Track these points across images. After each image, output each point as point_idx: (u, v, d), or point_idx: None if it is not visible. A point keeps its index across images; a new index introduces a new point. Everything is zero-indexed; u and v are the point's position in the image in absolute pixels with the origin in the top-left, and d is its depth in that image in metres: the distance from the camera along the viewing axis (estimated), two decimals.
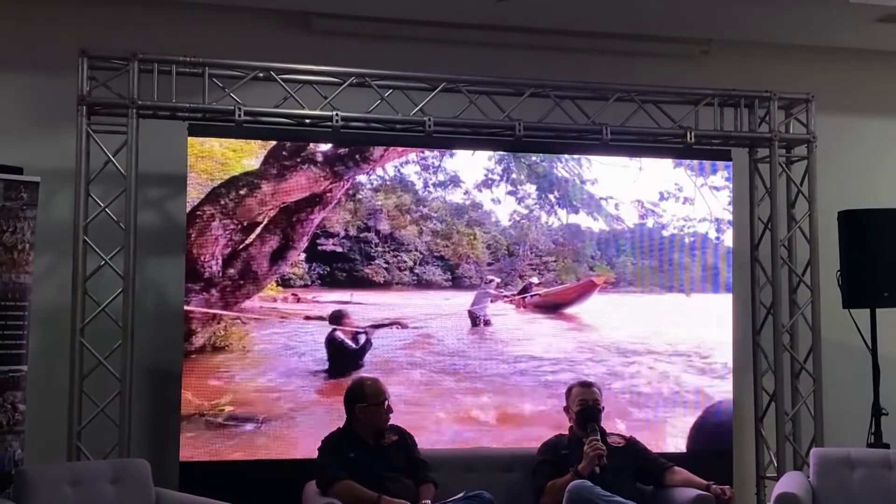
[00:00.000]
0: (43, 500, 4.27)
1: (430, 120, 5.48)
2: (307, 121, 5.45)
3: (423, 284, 5.62)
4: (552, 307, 5.79)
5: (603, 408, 5.09)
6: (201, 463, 5.18)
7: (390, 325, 5.52)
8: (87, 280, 5.11)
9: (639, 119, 5.84)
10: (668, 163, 5.98)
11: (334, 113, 5.38)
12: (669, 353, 5.87)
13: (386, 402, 4.84)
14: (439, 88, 5.57)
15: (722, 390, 5.89)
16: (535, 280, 5.77)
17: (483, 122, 5.67)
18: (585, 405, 5.02)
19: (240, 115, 5.24)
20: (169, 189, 5.54)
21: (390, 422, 4.89)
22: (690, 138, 5.79)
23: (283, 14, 5.79)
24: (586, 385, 5.14)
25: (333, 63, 5.51)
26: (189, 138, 5.29)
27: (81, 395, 5.03)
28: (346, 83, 5.46)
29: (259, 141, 5.43)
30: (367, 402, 4.81)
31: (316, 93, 5.48)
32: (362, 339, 5.48)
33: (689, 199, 5.99)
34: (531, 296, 5.75)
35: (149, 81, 5.19)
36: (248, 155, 5.41)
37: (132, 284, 5.10)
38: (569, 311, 5.82)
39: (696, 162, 6.00)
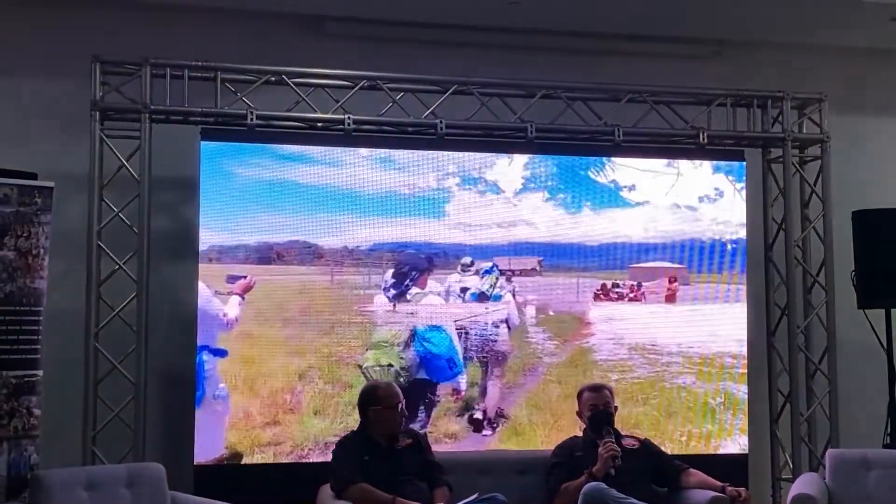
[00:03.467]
0: None
1: (441, 122, 5.49)
2: (319, 124, 5.46)
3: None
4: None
5: (616, 408, 5.08)
6: (216, 466, 5.20)
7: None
8: (101, 284, 5.13)
9: (651, 120, 5.83)
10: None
11: (346, 116, 5.39)
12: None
13: (400, 406, 4.83)
14: (451, 91, 5.58)
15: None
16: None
17: (495, 124, 5.67)
18: (597, 409, 4.99)
19: (252, 119, 5.26)
20: (182, 193, 5.55)
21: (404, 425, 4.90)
22: (703, 139, 5.78)
23: (295, 18, 5.81)
24: (597, 388, 5.11)
25: (345, 66, 5.52)
26: None
27: (96, 399, 5.05)
28: (358, 86, 5.47)
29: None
30: (380, 405, 4.79)
31: (327, 96, 5.49)
32: None
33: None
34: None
35: (161, 86, 5.22)
36: None
37: (146, 289, 5.12)
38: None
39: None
